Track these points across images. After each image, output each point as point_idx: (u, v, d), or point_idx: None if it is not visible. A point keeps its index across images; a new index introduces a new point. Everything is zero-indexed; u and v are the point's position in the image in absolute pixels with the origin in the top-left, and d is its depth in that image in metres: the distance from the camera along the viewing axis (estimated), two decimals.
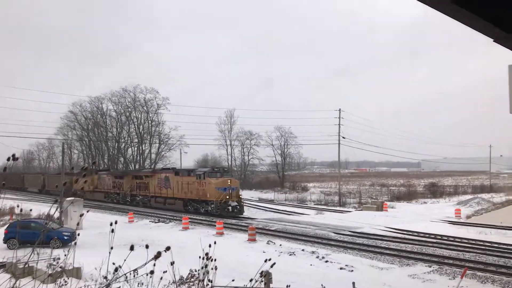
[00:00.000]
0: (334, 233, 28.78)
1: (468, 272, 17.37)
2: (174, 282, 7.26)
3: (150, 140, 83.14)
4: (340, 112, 62.25)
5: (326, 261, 20.24)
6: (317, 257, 21.11)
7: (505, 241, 25.54)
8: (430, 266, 19.29)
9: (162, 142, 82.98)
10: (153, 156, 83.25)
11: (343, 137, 61.46)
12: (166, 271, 7.39)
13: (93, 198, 55.26)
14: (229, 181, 39.14)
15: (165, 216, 38.59)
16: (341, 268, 18.90)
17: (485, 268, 18.58)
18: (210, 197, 38.67)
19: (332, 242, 25.30)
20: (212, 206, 38.63)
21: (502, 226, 31.95)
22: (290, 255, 21.72)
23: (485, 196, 56.68)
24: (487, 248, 23.49)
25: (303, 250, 22.80)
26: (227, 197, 38.19)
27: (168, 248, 3.89)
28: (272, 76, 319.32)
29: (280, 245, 24.32)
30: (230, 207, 37.99)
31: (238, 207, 38.66)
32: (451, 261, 20.07)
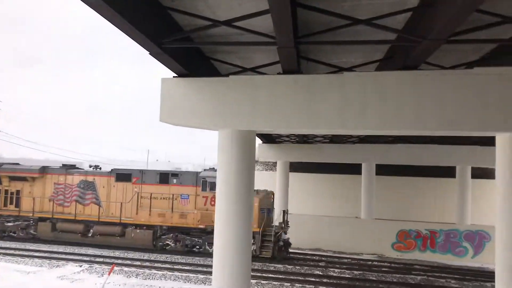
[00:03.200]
0: None
1: (116, 268, 18.28)
2: None
3: None
4: None
5: None
6: None
7: None
8: (80, 266, 19.34)
9: None
10: None
11: None
12: None
13: None
14: (272, 196, 23.36)
15: None
16: None
17: (131, 264, 19.93)
18: None
19: None
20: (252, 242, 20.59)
21: None
22: None
23: None
24: None
25: None
26: (283, 225, 22.34)
27: None
28: None
29: None
30: (282, 243, 21.81)
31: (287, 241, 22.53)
32: (101, 259, 20.66)
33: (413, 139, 24.64)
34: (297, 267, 20.12)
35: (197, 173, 22.90)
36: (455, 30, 7.39)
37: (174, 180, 23.01)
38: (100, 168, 25.37)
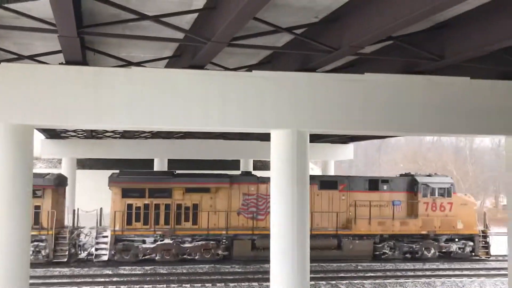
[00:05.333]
0: None
1: None
2: None
3: None
4: None
5: None
6: None
7: None
8: None
9: None
10: None
11: None
12: None
13: None
14: None
15: None
16: None
17: None
18: (465, 228, 22.29)
19: None
20: (471, 245, 22.48)
21: None
22: None
23: None
24: None
25: None
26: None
27: None
28: None
29: None
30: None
31: None
32: None
33: (202, 135, 25.81)
34: (85, 269, 19.13)
35: (411, 179, 22.58)
36: (235, 35, 7.97)
37: (385, 187, 22.15)
38: None
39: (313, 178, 20.96)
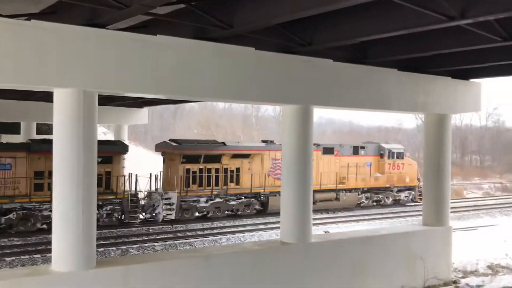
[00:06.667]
0: None
1: None
2: None
3: None
4: None
5: None
6: None
7: None
8: None
9: None
10: None
11: None
12: None
13: None
14: None
15: None
16: None
17: None
18: (410, 182, 30.44)
19: None
20: (413, 193, 30.72)
21: None
22: None
23: None
24: None
25: None
26: None
27: None
28: None
29: None
30: None
31: None
32: None
33: None
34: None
35: (378, 146, 29.67)
36: None
37: (362, 152, 28.69)
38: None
39: (318, 145, 26.61)
